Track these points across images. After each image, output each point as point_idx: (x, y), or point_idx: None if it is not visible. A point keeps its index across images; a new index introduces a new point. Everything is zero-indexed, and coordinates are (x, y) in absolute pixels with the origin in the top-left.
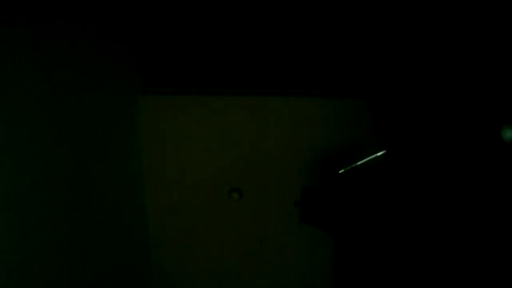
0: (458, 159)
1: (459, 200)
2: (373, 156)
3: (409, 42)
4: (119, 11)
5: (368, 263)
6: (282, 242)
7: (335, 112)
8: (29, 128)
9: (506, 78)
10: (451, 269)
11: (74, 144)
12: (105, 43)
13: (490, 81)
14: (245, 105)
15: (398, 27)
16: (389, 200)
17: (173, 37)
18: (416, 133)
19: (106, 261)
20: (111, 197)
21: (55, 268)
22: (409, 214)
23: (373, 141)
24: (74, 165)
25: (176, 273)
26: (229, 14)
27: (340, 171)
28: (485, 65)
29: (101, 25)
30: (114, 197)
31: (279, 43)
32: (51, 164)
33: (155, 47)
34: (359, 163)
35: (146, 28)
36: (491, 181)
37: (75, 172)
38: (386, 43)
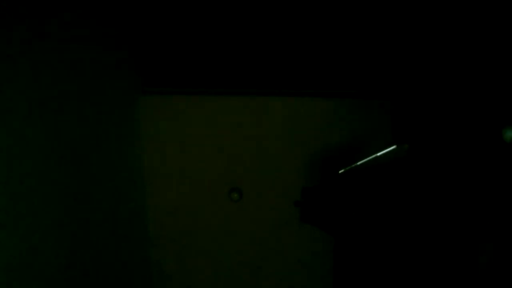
0: (461, 160)
1: (459, 200)
2: (373, 156)
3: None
4: (119, 13)
5: (367, 262)
6: (282, 242)
7: (335, 112)
8: (30, 128)
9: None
10: (451, 268)
11: (74, 144)
12: (105, 44)
13: (495, 84)
14: (245, 105)
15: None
16: (389, 200)
17: (173, 37)
18: (427, 133)
19: (106, 261)
20: (111, 197)
21: (56, 268)
22: (410, 214)
23: (373, 141)
24: (74, 165)
25: (176, 273)
26: (229, 15)
27: (340, 171)
28: (494, 70)
29: (102, 26)
30: (114, 197)
31: (280, 44)
32: (51, 164)
33: (155, 47)
34: (359, 163)
35: (147, 29)
36: (495, 184)
37: (75, 172)
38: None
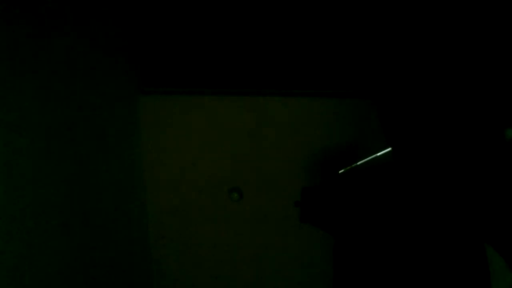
0: (461, 160)
1: (458, 200)
2: (373, 156)
3: (414, 43)
4: (118, 11)
5: (368, 263)
6: (282, 242)
7: (335, 112)
8: (29, 128)
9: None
10: (451, 268)
11: (73, 144)
12: (104, 43)
13: (494, 81)
14: (245, 105)
15: (401, 28)
16: (389, 200)
17: (172, 37)
18: (421, 132)
19: (106, 261)
20: (111, 197)
21: (56, 267)
22: (410, 214)
23: (373, 141)
24: (73, 165)
25: (176, 273)
26: (228, 14)
27: (340, 171)
28: (491, 67)
29: (101, 25)
30: (114, 197)
31: (279, 43)
32: (50, 164)
33: (154, 47)
34: (359, 163)
35: (146, 28)
36: (495, 184)
37: (75, 172)
38: (390, 44)
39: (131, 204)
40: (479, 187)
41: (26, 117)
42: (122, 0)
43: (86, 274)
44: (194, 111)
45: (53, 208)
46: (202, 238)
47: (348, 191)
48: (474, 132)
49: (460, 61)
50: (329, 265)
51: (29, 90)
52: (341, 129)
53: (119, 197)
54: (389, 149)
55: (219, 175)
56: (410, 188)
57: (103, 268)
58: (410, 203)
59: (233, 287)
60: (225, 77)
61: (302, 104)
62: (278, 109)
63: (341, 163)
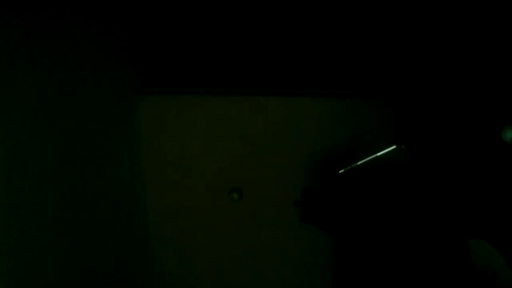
0: (459, 160)
1: (457, 201)
2: (373, 156)
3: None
4: (119, 12)
5: (367, 262)
6: (282, 242)
7: (334, 112)
8: (30, 128)
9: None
10: (449, 267)
11: (74, 144)
12: (105, 43)
13: (494, 84)
14: (245, 105)
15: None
16: (388, 200)
17: (173, 38)
18: (425, 133)
19: (106, 261)
20: (111, 197)
21: (56, 268)
22: (409, 214)
23: (373, 141)
24: (73, 165)
25: (176, 273)
26: (229, 15)
27: (340, 171)
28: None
29: (102, 26)
30: (114, 197)
31: (280, 44)
32: (51, 164)
33: (155, 47)
34: (359, 163)
35: (146, 29)
36: (494, 184)
37: (75, 172)
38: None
39: (131, 205)
40: (480, 186)
41: (27, 118)
42: (123, 2)
43: (86, 273)
44: (194, 111)
45: (52, 207)
46: (202, 238)
47: (348, 191)
48: (478, 132)
49: (464, 63)
50: (329, 265)
51: (29, 91)
52: (341, 129)
53: (119, 197)
54: (389, 149)
55: (219, 175)
56: (415, 185)
57: (103, 268)
58: (410, 203)
59: (233, 286)
60: (225, 77)
61: (302, 104)
62: (278, 109)
63: (341, 163)
